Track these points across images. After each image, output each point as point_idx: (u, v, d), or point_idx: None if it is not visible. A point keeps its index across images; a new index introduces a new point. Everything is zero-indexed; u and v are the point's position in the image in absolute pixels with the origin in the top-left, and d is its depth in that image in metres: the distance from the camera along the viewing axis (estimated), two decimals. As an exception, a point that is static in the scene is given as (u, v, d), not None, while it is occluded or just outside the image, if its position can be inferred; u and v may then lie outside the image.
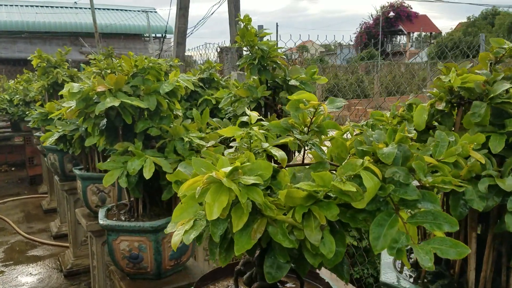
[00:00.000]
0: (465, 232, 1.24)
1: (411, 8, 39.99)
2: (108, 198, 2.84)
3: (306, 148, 1.01)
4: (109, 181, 1.76)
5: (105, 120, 1.92)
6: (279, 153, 1.00)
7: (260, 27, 3.74)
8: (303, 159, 1.03)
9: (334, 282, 1.36)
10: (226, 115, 2.12)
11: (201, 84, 2.85)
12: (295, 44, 4.38)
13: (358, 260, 3.30)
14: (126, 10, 19.11)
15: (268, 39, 2.04)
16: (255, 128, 1.02)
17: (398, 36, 41.88)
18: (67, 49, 4.36)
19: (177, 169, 1.03)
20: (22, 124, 6.82)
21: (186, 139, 1.87)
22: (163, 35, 16.77)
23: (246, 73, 2.03)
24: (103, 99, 1.77)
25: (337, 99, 0.95)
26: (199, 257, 2.95)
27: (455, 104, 1.26)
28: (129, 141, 1.93)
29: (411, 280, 1.34)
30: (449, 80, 1.17)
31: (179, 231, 0.90)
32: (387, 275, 1.40)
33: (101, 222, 1.94)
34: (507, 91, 1.14)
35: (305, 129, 0.98)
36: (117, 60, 2.52)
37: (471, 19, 37.08)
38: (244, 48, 2.04)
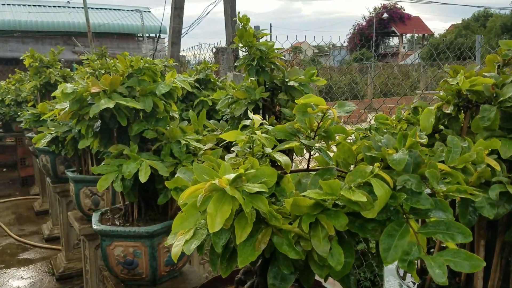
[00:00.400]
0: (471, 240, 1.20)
1: (404, 10, 40.21)
2: (101, 201, 2.78)
3: (311, 153, 0.96)
4: (103, 185, 1.71)
5: (99, 122, 1.87)
6: (283, 158, 0.96)
7: (257, 27, 3.70)
8: (308, 164, 0.98)
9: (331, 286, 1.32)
10: (223, 117, 2.07)
11: (197, 85, 2.80)
12: (291, 44, 4.33)
13: (355, 263, 3.26)
14: (119, 10, 18.99)
15: (266, 40, 2.00)
16: (258, 132, 0.98)
17: (390, 37, 42.07)
18: (60, 48, 4.29)
19: (176, 175, 0.98)
20: (14, 125, 6.73)
21: (183, 142, 1.82)
22: (157, 35, 16.69)
23: (244, 74, 1.98)
24: (97, 101, 1.72)
25: (347, 103, 0.91)
26: (194, 261, 2.90)
27: (461, 108, 1.22)
28: (124, 144, 1.88)
29: (416, 288, 1.31)
30: (457, 83, 1.14)
31: (179, 241, 0.85)
32: (391, 283, 1.36)
33: (95, 227, 1.89)
34: (517, 94, 1.11)
35: (312, 133, 0.93)
36: (111, 60, 2.46)
37: (465, 21, 37.33)
38: (242, 49, 1.99)
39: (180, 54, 10.20)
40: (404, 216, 0.84)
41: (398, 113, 1.30)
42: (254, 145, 0.98)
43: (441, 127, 1.24)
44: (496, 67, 1.24)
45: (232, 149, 1.04)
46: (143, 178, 1.69)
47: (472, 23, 36.35)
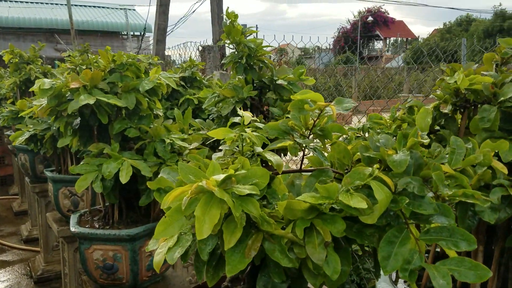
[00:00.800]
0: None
1: (388, 14, 40.61)
2: (81, 202, 2.68)
3: (305, 152, 0.90)
4: (82, 186, 1.62)
5: (78, 119, 1.78)
6: (274, 158, 0.90)
7: (244, 26, 3.63)
8: (301, 164, 0.92)
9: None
10: (210, 116, 2.00)
11: (182, 83, 2.72)
12: (278, 44, 4.28)
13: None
14: (104, 7, 18.71)
15: (254, 37, 1.94)
16: (248, 130, 0.91)
17: (375, 41, 42.45)
18: (41, 44, 4.17)
19: (159, 176, 0.91)
20: (-8, 123, 6.54)
21: (167, 141, 1.74)
22: (142, 33, 16.48)
23: (231, 72, 1.92)
24: (76, 97, 1.63)
25: (346, 100, 0.85)
26: (177, 264, 2.82)
27: (458, 107, 1.18)
28: (104, 142, 1.79)
29: (410, 295, 1.25)
30: (455, 81, 1.09)
31: (161, 248, 0.78)
32: (383, 289, 1.31)
33: (72, 229, 1.80)
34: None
35: (306, 132, 0.87)
36: (93, 56, 2.37)
37: (447, 25, 37.86)
38: (230, 47, 1.93)
39: (166, 53, 10.08)
40: (405, 221, 0.78)
41: (393, 113, 1.25)
42: (244, 144, 0.92)
43: (437, 127, 1.20)
44: (494, 65, 1.19)
45: (219, 147, 0.97)
46: (124, 178, 1.61)
47: (455, 27, 36.88)
